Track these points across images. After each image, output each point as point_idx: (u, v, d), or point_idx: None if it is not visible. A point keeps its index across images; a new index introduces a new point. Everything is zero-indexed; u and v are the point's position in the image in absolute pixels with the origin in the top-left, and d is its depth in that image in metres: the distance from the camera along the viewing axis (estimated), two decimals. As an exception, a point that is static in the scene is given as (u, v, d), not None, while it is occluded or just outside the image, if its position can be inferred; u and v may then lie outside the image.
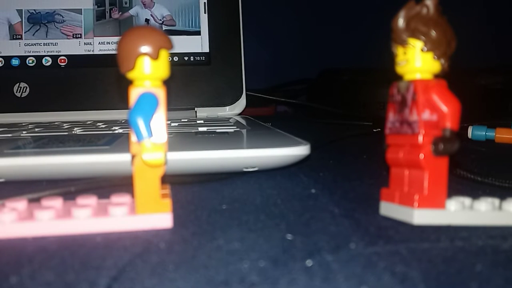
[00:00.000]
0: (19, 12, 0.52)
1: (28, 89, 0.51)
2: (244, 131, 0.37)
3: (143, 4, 0.53)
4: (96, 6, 0.53)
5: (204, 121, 0.45)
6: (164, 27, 0.53)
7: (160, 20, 0.53)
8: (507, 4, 0.82)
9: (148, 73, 0.19)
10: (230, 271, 0.16)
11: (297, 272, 0.16)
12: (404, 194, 0.21)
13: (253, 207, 0.23)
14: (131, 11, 0.53)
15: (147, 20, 0.53)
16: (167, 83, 0.20)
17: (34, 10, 0.52)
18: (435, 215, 0.20)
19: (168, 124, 0.30)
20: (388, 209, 0.21)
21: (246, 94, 0.54)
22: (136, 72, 0.19)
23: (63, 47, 0.52)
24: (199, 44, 0.53)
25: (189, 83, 0.53)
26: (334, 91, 0.63)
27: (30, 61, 0.52)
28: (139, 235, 0.19)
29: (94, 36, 0.52)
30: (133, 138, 0.20)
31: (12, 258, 0.17)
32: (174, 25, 0.53)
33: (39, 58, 0.52)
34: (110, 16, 0.53)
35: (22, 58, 0.52)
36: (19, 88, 0.51)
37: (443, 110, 0.20)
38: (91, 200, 0.21)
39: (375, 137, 0.45)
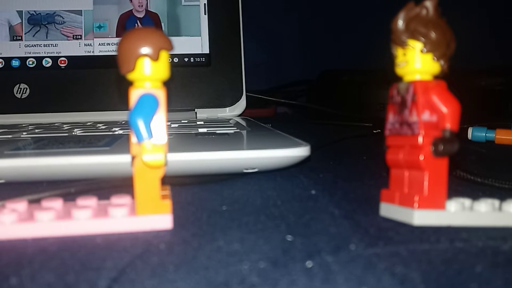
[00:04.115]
0: (19, 13, 0.52)
1: (28, 90, 0.51)
2: (244, 132, 0.37)
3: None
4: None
5: (204, 122, 0.45)
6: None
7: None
8: (507, 5, 0.82)
9: (148, 74, 0.19)
10: (230, 272, 0.16)
11: (297, 273, 0.16)
12: (404, 195, 0.21)
13: (253, 208, 0.23)
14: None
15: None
16: (167, 84, 0.20)
17: (35, 11, 0.52)
18: (435, 216, 0.20)
19: (168, 125, 0.30)
20: (388, 210, 0.21)
21: (246, 95, 0.54)
22: (136, 73, 0.19)
23: (63, 48, 0.52)
24: (199, 45, 0.53)
25: (189, 84, 0.53)
26: (334, 92, 0.63)
27: (30, 62, 0.52)
28: (139, 236, 0.19)
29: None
30: (133, 139, 0.20)
31: (12, 259, 0.17)
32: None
33: (39, 59, 0.52)
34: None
35: (22, 59, 0.52)
36: (19, 89, 0.51)
37: (442, 111, 0.20)
38: (91, 201, 0.21)
39: (375, 138, 0.45)
